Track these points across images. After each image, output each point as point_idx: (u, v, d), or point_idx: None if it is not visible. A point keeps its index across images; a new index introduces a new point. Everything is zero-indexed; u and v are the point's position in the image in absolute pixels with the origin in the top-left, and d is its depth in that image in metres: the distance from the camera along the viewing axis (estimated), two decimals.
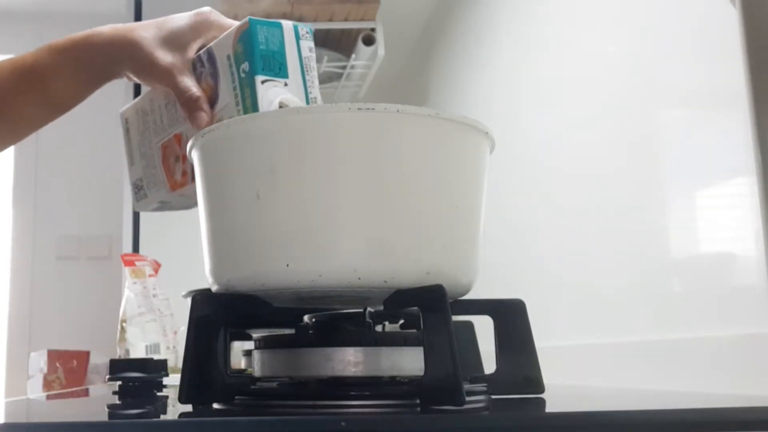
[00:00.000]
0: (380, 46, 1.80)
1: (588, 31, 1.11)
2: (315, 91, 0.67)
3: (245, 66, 0.64)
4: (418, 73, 2.14)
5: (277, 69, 0.65)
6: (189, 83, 0.69)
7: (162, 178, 0.74)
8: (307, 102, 0.67)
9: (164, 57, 0.70)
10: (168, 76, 0.69)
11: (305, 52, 0.67)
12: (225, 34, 0.68)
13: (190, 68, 0.70)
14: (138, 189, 0.77)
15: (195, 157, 0.59)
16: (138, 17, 2.05)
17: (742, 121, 0.72)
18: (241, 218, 0.54)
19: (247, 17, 0.65)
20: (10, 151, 2.73)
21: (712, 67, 0.82)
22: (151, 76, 0.71)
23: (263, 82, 0.64)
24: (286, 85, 0.65)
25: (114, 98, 2.50)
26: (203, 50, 0.70)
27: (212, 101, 0.68)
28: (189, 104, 0.68)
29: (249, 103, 0.64)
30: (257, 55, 0.64)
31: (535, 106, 1.30)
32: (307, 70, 0.67)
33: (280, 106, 0.64)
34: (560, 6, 1.21)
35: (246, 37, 0.64)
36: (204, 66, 0.69)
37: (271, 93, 0.64)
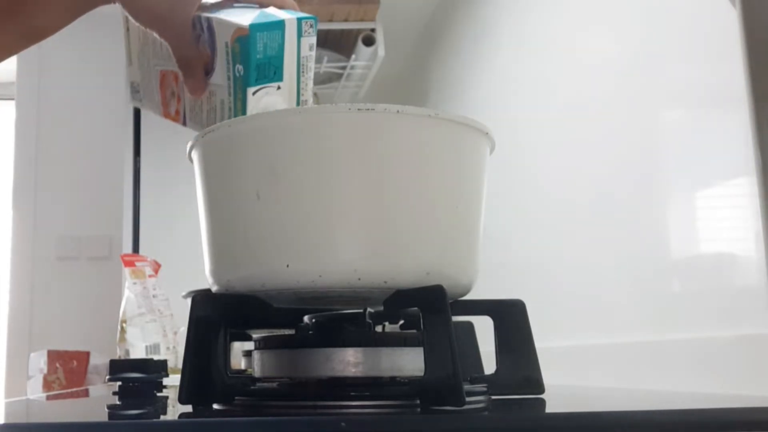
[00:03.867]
0: (380, 47, 1.80)
1: (588, 31, 1.11)
2: (307, 93, 0.65)
3: (240, 68, 0.63)
4: (418, 73, 2.14)
5: (272, 74, 0.63)
6: (189, 45, 0.65)
7: (158, 99, 0.72)
8: (298, 105, 0.65)
9: (166, 9, 0.65)
10: (168, 31, 0.65)
11: (305, 51, 0.65)
12: (226, 19, 0.64)
13: (191, 27, 0.66)
14: (135, 91, 0.75)
15: (195, 157, 0.59)
16: None
17: (742, 121, 0.72)
18: (241, 218, 0.54)
19: (248, 24, 0.62)
20: (10, 151, 2.73)
21: (712, 67, 0.82)
22: (150, 24, 0.66)
23: (255, 92, 0.62)
24: (279, 88, 0.63)
25: (114, 98, 2.50)
26: (203, 17, 0.66)
27: (207, 69, 0.66)
28: (187, 69, 0.65)
29: (239, 105, 0.63)
30: (252, 65, 0.62)
31: (535, 106, 1.30)
32: (303, 71, 0.65)
33: None
34: (560, 6, 1.21)
35: (244, 43, 0.62)
36: (203, 31, 0.66)
37: (262, 103, 0.63)
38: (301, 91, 0.65)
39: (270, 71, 0.63)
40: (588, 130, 1.10)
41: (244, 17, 0.64)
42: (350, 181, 0.52)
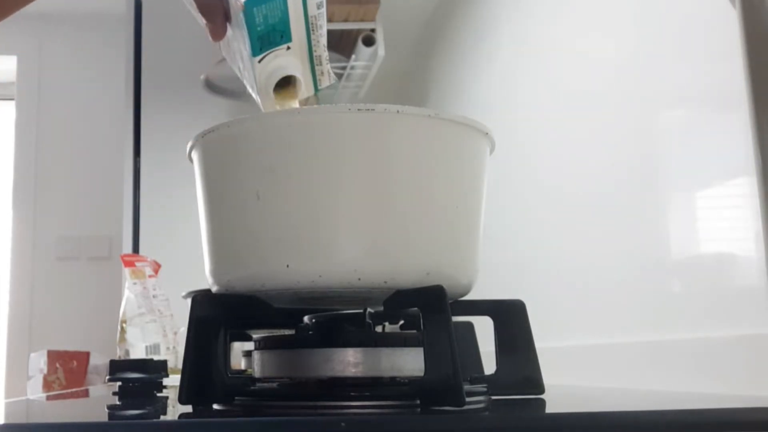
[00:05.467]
0: (380, 47, 1.80)
1: (587, 32, 1.11)
2: (320, 49, 0.64)
3: (246, 34, 0.62)
4: (418, 73, 2.14)
5: (279, 38, 0.62)
6: None
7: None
8: (311, 61, 0.64)
9: None
10: None
11: (312, 11, 0.63)
12: None
13: None
14: None
15: (195, 157, 0.59)
16: (138, 17, 2.05)
17: (742, 121, 0.72)
18: (241, 218, 0.54)
19: (243, 1, 0.61)
20: (10, 151, 2.73)
21: (712, 67, 0.82)
22: None
23: (261, 60, 0.62)
24: (288, 48, 0.63)
25: (114, 98, 2.50)
26: None
27: (228, 16, 0.65)
28: (208, 14, 0.65)
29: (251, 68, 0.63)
30: (254, 37, 0.62)
31: (535, 106, 1.30)
32: (313, 30, 0.63)
33: (280, 80, 0.63)
34: (560, 6, 1.21)
35: (245, 15, 0.61)
36: None
37: (271, 66, 0.62)
38: (314, 48, 0.64)
39: (275, 37, 0.62)
40: (588, 130, 1.10)
41: None
42: (350, 181, 0.52)
